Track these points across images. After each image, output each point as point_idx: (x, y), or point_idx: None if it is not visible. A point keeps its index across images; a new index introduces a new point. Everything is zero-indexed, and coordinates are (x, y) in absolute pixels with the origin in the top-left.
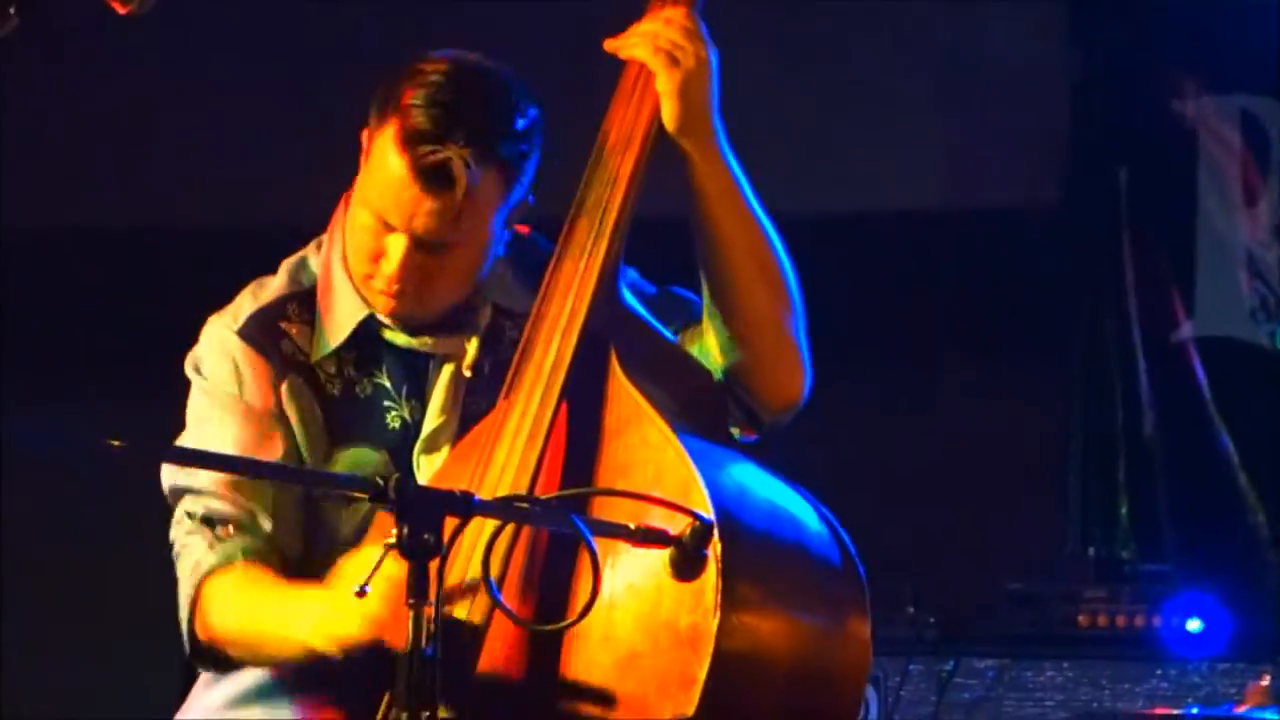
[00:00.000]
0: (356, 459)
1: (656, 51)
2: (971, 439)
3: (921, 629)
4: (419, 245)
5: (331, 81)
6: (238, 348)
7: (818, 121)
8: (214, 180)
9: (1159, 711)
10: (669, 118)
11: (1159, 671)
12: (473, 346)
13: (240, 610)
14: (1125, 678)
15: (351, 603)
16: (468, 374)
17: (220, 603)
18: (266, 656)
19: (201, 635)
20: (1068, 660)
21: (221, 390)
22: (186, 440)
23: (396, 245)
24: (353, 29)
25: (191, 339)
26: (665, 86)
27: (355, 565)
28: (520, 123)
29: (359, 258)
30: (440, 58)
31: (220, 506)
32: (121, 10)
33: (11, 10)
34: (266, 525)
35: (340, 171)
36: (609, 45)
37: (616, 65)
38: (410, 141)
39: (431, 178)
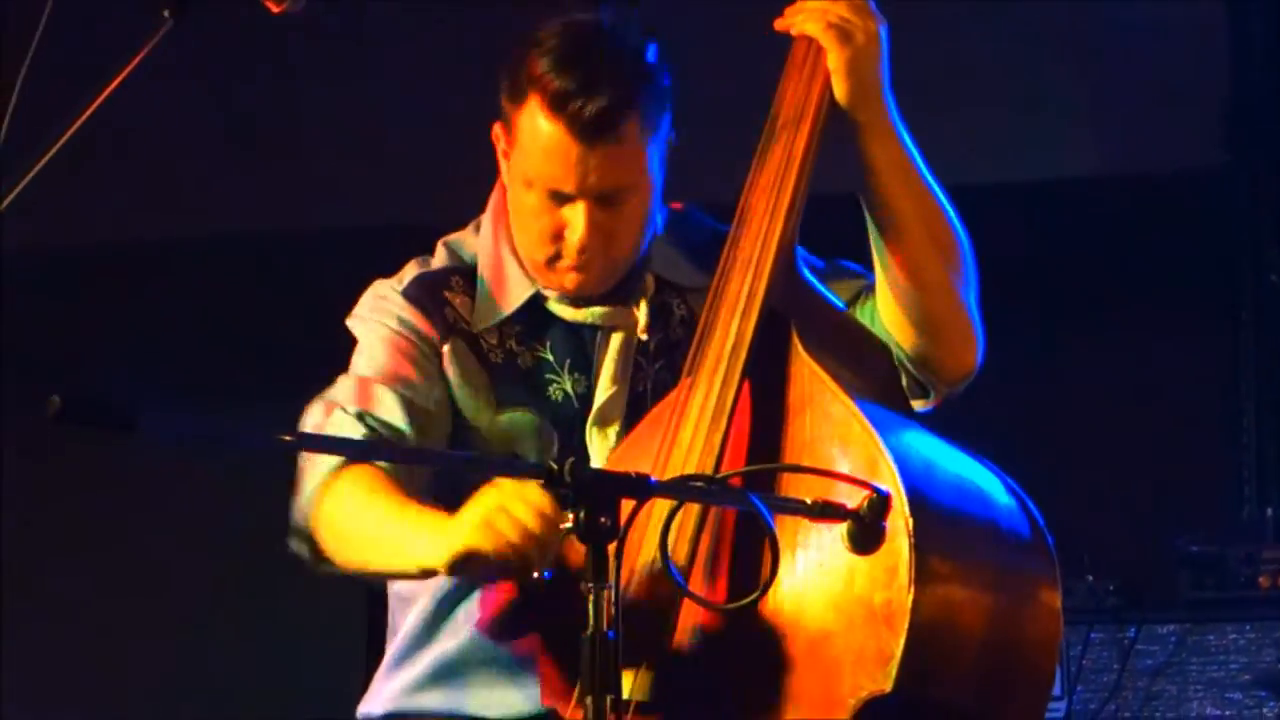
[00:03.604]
0: (516, 420)
1: (827, 28)
2: (1143, 404)
3: (1102, 597)
4: (598, 202)
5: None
6: (402, 305)
7: (981, 92)
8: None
9: None
10: (841, 93)
11: None
12: (642, 312)
13: (364, 506)
14: None
15: (454, 521)
16: (643, 337)
17: (345, 496)
18: (376, 563)
19: (314, 523)
20: (1250, 623)
21: (387, 328)
22: (350, 373)
23: (577, 213)
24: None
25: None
26: (836, 63)
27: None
28: (649, 56)
29: (538, 244)
30: (553, 25)
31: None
32: (275, 10)
33: (166, 13)
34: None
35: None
36: (779, 24)
37: (784, 40)
38: (559, 104)
39: (591, 130)
